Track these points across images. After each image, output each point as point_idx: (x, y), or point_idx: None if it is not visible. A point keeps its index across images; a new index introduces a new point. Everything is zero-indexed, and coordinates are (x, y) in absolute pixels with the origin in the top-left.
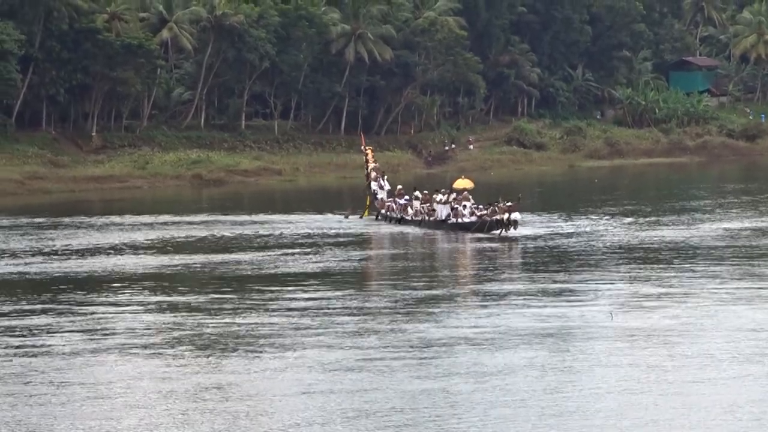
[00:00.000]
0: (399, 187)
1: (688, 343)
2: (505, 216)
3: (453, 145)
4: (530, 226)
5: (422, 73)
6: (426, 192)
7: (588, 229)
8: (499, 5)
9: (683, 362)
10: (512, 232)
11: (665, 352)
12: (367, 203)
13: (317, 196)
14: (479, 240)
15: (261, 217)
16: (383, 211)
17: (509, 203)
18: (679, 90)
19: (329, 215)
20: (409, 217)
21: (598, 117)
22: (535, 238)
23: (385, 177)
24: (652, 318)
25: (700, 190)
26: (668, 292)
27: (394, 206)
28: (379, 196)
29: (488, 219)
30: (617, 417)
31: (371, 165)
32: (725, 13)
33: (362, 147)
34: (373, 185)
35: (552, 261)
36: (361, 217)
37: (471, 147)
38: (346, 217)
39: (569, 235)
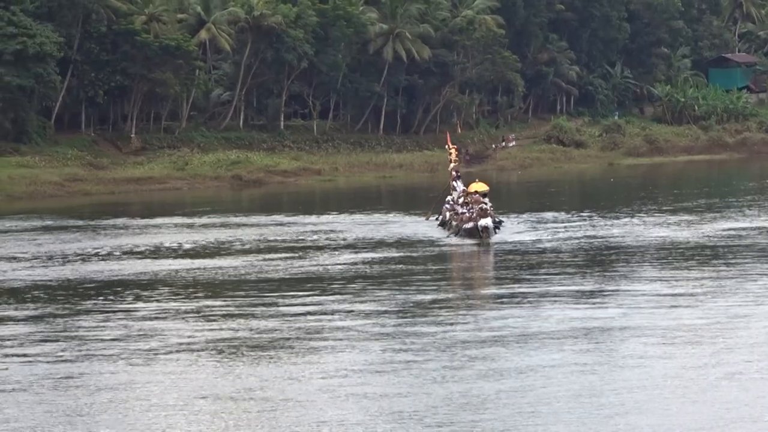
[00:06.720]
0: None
1: (721, 342)
2: (479, 222)
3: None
4: (539, 228)
5: (461, 72)
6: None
7: (612, 230)
8: (537, 3)
9: (718, 360)
10: (492, 238)
11: (698, 350)
12: None
13: (358, 196)
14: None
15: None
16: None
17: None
18: (718, 87)
19: (394, 216)
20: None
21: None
22: (535, 241)
23: (460, 178)
24: (683, 316)
25: (740, 186)
26: (696, 292)
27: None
28: (447, 198)
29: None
30: (653, 416)
31: (452, 165)
32: (764, 10)
33: (447, 146)
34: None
35: (569, 263)
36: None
37: (513, 144)
38: (428, 218)
39: (589, 237)
